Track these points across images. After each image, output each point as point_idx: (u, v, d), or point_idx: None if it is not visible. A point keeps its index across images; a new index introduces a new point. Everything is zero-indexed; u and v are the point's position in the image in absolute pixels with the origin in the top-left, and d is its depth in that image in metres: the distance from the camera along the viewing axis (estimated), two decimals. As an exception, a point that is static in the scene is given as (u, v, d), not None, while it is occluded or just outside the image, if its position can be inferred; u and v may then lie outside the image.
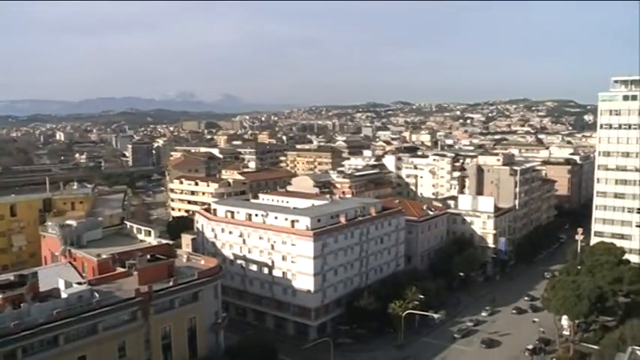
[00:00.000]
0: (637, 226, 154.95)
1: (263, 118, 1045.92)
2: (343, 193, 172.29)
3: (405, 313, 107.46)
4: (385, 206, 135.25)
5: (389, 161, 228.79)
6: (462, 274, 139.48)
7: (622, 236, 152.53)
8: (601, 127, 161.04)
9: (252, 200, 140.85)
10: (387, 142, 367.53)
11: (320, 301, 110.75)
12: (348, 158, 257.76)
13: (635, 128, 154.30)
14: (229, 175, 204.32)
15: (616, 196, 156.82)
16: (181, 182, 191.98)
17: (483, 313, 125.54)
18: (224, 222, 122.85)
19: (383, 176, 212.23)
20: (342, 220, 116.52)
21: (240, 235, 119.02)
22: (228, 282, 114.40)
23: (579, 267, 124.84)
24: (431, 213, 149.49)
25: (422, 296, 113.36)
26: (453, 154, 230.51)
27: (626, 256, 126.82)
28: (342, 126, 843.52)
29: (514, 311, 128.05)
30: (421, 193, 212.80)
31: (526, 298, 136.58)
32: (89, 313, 71.03)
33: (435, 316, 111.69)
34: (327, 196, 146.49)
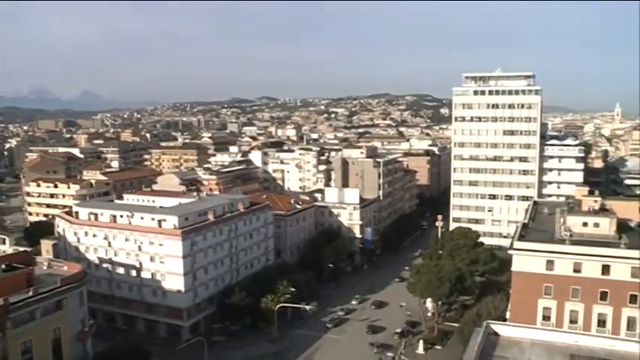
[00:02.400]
0: (489, 211, 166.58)
1: (125, 116, 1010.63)
2: (210, 190, 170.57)
3: (278, 306, 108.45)
4: (253, 202, 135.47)
5: (255, 157, 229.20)
6: (331, 265, 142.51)
7: (477, 221, 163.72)
8: (455, 119, 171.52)
9: (117, 201, 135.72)
10: (254, 138, 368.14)
11: (191, 300, 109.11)
12: (215, 155, 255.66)
13: (486, 121, 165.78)
14: (91, 175, 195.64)
15: (470, 183, 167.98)
16: (39, 185, 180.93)
17: (353, 302, 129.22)
18: (87, 225, 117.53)
19: (250, 172, 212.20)
20: (210, 217, 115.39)
21: (105, 238, 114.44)
22: (94, 287, 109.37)
23: (440, 251, 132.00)
24: (298, 207, 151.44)
25: (293, 289, 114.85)
26: (319, 148, 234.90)
27: (481, 239, 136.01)
28: (207, 122, 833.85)
29: (381, 297, 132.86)
30: (288, 188, 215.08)
31: (397, 279, 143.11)
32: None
33: (307, 307, 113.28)
34: (194, 193, 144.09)
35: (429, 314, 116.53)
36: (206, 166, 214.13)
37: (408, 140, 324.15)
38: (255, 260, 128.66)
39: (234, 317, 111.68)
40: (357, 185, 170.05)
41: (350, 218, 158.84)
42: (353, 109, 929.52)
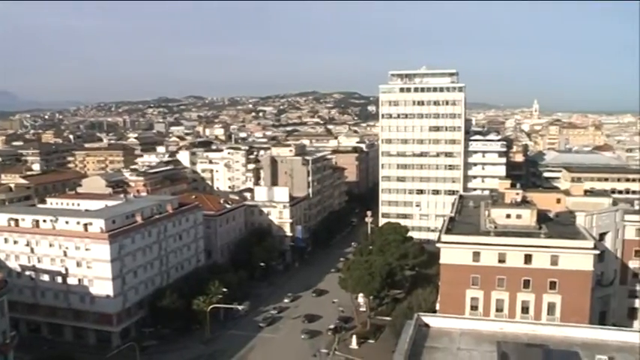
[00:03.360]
0: (417, 205, 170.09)
1: (46, 116, 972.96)
2: (138, 191, 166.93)
3: (210, 307, 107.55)
4: (182, 202, 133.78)
5: (183, 157, 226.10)
6: (262, 264, 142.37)
7: (405, 216, 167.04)
8: (382, 116, 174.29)
9: (39, 205, 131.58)
10: (181, 138, 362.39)
11: (121, 305, 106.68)
12: (141, 155, 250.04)
13: (412, 117, 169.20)
14: (10, 179, 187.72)
15: (398, 179, 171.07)
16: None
17: (286, 300, 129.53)
18: (7, 231, 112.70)
19: (178, 172, 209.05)
20: (139, 219, 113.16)
21: (27, 244, 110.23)
22: (16, 296, 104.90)
23: (371, 247, 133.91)
24: (228, 206, 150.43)
25: (225, 289, 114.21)
26: (247, 147, 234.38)
27: (410, 234, 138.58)
28: (133, 122, 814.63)
29: (314, 294, 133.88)
30: (217, 187, 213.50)
31: (329, 274, 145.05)
32: None
33: (240, 307, 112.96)
34: (121, 195, 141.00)
35: (362, 309, 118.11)
36: (133, 167, 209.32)
37: (336, 138, 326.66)
38: (185, 262, 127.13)
39: (166, 320, 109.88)
40: (287, 183, 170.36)
41: (280, 217, 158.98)
42: (281, 108, 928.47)
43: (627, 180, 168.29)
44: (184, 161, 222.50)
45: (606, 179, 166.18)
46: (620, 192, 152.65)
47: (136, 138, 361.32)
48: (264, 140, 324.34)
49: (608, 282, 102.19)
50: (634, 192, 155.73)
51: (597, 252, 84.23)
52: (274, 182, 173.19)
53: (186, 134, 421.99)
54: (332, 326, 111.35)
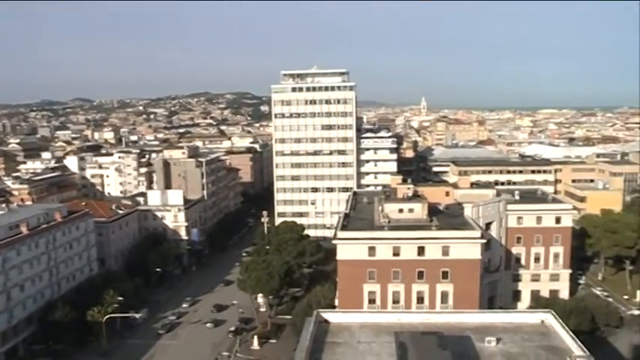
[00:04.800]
0: (312, 204, 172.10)
1: None
2: (22, 200, 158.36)
3: (105, 318, 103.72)
4: (71, 210, 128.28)
5: (71, 162, 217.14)
6: (159, 269, 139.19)
7: (301, 214, 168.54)
8: (275, 116, 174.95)
9: None
10: (68, 142, 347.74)
11: (6, 323, 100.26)
12: (25, 162, 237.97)
13: (304, 116, 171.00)
14: None
15: (293, 178, 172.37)
16: None
17: (185, 305, 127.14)
18: None
19: (66, 178, 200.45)
20: (24, 229, 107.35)
21: None
22: None
23: (268, 247, 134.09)
24: (120, 212, 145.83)
25: (121, 298, 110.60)
26: (139, 150, 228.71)
27: (306, 232, 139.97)
28: (14, 127, 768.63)
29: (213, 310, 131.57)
30: (109, 193, 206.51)
31: (227, 276, 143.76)
32: None
33: (137, 315, 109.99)
34: (3, 205, 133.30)
35: (262, 309, 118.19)
36: (15, 174, 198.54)
37: (229, 139, 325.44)
38: (77, 272, 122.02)
39: (59, 335, 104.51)
40: (181, 186, 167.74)
41: (175, 220, 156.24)
42: (172, 109, 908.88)
43: (508, 172, 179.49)
44: (72, 167, 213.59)
45: (490, 172, 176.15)
46: (503, 183, 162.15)
47: (17, 143, 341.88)
48: (156, 143, 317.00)
49: (495, 268, 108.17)
50: (515, 183, 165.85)
51: (484, 241, 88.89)
52: (168, 185, 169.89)
53: (74, 139, 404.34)
54: (233, 328, 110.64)
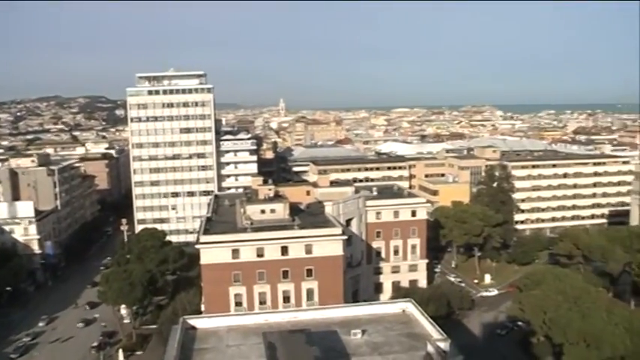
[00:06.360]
0: (173, 209, 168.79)
1: None
2: None
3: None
4: None
5: None
6: (8, 288, 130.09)
7: (162, 220, 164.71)
8: (132, 120, 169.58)
9: None
10: None
11: None
12: None
13: (162, 120, 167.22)
14: None
15: (152, 184, 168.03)
16: None
17: (41, 324, 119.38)
18: None
19: None
20: None
21: None
22: None
23: (128, 256, 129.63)
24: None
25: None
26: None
27: (168, 238, 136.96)
28: None
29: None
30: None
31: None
32: None
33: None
34: None
35: (125, 321, 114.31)
36: None
37: (83, 145, 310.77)
38: None
39: None
40: (31, 197, 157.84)
41: (26, 234, 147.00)
42: (18, 114, 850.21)
43: (366, 169, 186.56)
44: None
45: (348, 170, 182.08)
46: (361, 180, 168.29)
47: None
48: (1, 151, 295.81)
49: (357, 263, 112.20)
50: (372, 180, 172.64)
51: (345, 237, 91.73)
52: (16, 197, 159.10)
53: None
54: (95, 343, 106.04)
